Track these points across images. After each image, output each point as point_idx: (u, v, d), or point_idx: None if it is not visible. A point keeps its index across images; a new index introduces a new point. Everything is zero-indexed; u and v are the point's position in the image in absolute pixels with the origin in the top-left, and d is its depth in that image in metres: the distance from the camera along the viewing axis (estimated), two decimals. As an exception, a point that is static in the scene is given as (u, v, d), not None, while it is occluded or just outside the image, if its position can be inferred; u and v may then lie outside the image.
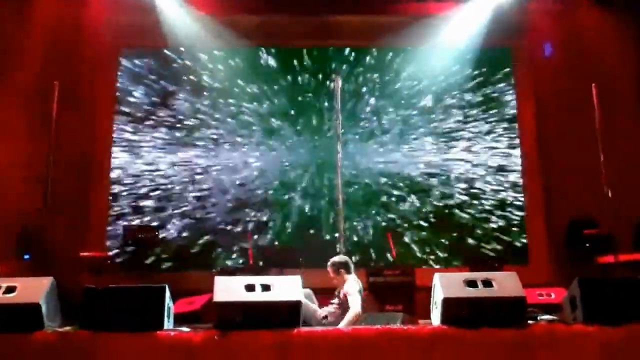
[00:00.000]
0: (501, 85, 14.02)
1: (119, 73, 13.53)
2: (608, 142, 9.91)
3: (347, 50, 13.90)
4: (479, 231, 13.34)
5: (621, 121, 12.66)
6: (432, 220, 13.41)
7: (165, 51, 13.43)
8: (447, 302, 6.19)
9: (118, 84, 13.48)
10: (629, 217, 11.62)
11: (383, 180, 13.51)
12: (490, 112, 13.91)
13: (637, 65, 13.57)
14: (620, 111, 12.81)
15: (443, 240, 13.27)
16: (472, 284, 6.33)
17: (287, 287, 6.31)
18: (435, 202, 13.48)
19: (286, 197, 13.32)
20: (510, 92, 14.02)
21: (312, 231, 13.12)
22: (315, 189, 13.36)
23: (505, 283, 6.36)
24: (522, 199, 13.60)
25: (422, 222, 13.35)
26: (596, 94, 9.71)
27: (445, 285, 6.31)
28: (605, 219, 10.77)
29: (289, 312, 6.19)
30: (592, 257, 11.65)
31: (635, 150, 12.99)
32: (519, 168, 13.73)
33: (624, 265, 10.43)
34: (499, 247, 13.31)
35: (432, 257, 13.19)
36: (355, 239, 13.05)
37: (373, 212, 13.36)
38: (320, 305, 8.53)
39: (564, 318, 6.63)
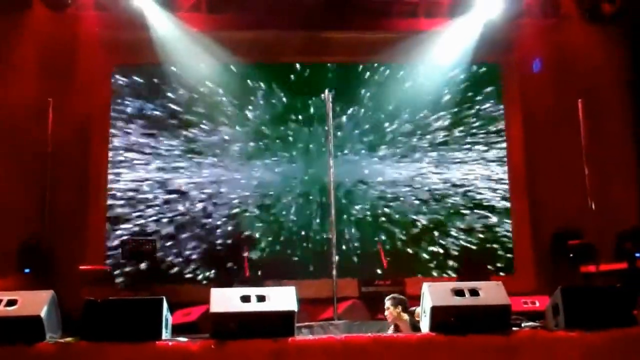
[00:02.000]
0: (490, 100, 14.14)
1: (113, 89, 13.52)
2: (593, 156, 10.09)
3: (338, 66, 13.96)
4: (464, 242, 13.50)
5: (606, 136, 12.83)
6: (422, 231, 13.53)
7: (158, 67, 13.36)
8: (436, 310, 6.36)
9: (112, 99, 13.47)
10: (611, 229, 11.84)
11: (374, 193, 13.61)
12: (479, 126, 14.02)
13: (624, 81, 13.74)
14: (606, 126, 12.98)
15: (433, 251, 13.40)
16: (459, 292, 6.49)
17: (281, 298, 6.42)
18: (423, 214, 13.61)
19: (278, 210, 13.39)
20: (499, 107, 14.13)
21: (305, 244, 13.19)
22: (307, 202, 13.43)
23: (491, 292, 6.53)
24: (509, 209, 13.77)
25: (412, 233, 13.51)
26: (582, 109, 9.90)
27: (433, 294, 6.47)
28: (588, 230, 10.96)
29: (284, 322, 6.29)
30: (575, 267, 11.83)
31: (618, 164, 13.20)
32: (506, 179, 13.88)
33: (605, 275, 10.63)
34: (486, 256, 13.44)
35: (423, 267, 13.34)
36: (346, 248, 13.11)
37: (365, 224, 13.47)
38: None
39: (547, 325, 6.82)
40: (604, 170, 11.59)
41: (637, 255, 11.71)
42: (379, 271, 12.39)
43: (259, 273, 12.26)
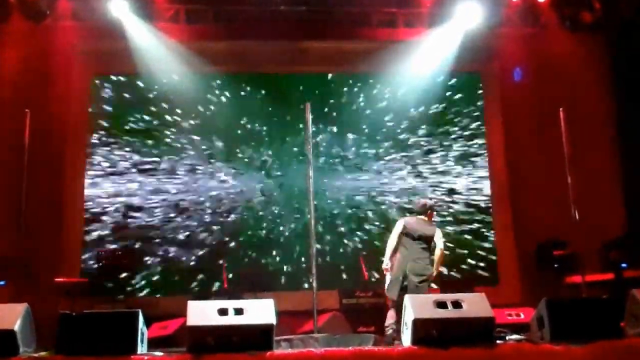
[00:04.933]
0: (470, 109, 14.13)
1: (91, 99, 13.39)
2: (576, 166, 10.06)
3: (317, 76, 13.92)
4: (447, 252, 13.42)
5: (589, 144, 12.84)
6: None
7: (136, 77, 13.30)
8: (418, 323, 6.31)
9: (90, 110, 13.34)
10: (597, 238, 11.82)
11: (354, 204, 13.55)
12: (460, 136, 14.01)
13: (605, 89, 13.77)
14: (588, 135, 13.00)
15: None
16: (441, 305, 6.46)
17: (260, 311, 6.38)
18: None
19: (257, 221, 13.29)
20: (480, 116, 14.13)
21: (284, 254, 13.07)
22: (287, 212, 13.33)
23: (475, 304, 6.51)
24: (492, 220, 13.72)
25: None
26: (564, 118, 9.86)
27: (415, 306, 6.43)
28: (573, 240, 10.92)
29: (262, 335, 6.25)
30: (561, 278, 11.85)
31: (602, 173, 13.20)
32: (489, 190, 13.84)
33: (591, 285, 10.59)
34: (469, 267, 13.41)
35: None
36: (328, 260, 13.00)
37: (345, 234, 13.37)
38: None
39: (531, 337, 6.77)
40: (587, 179, 11.54)
41: (624, 265, 11.71)
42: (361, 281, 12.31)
43: (237, 285, 12.09)
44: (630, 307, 6.87)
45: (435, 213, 9.97)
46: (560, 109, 9.98)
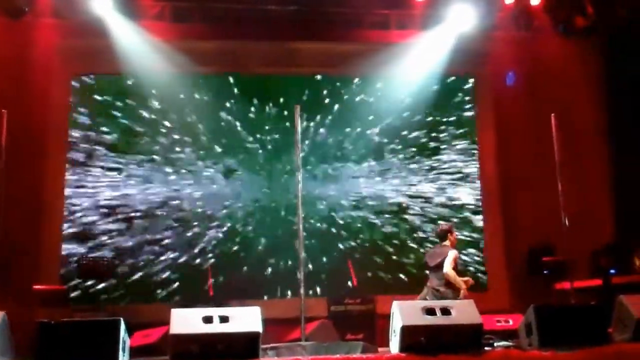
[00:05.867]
0: (463, 113, 14.06)
1: (71, 100, 13.08)
2: (567, 172, 10.01)
3: (308, 78, 13.74)
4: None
5: (580, 150, 12.84)
6: (394, 248, 13.36)
7: (119, 77, 13.04)
8: (406, 330, 6.24)
9: (70, 111, 13.02)
10: (586, 245, 11.80)
11: (345, 208, 13.42)
12: (452, 139, 13.93)
13: (597, 94, 13.77)
14: (580, 141, 12.99)
15: (406, 268, 13.21)
16: (430, 311, 6.41)
17: (246, 318, 6.28)
18: (397, 230, 13.46)
19: (244, 226, 13.14)
20: (472, 120, 14.07)
21: (272, 261, 12.87)
22: (274, 218, 13.19)
23: (463, 311, 6.47)
24: (482, 225, 13.66)
25: (384, 250, 13.32)
26: (555, 123, 9.81)
27: (403, 313, 6.37)
28: (563, 246, 10.88)
29: (248, 343, 6.16)
30: (550, 284, 11.87)
31: (593, 180, 13.19)
32: (479, 195, 13.78)
33: (580, 292, 10.62)
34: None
35: (394, 284, 13.09)
36: (315, 267, 12.85)
37: (334, 240, 13.25)
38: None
39: (520, 344, 6.74)
40: (578, 185, 11.53)
41: (612, 272, 11.74)
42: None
43: (223, 292, 11.98)
44: (618, 313, 6.90)
45: (456, 233, 10.25)
46: (552, 114, 9.92)
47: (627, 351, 6.22)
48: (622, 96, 13.57)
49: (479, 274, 13.33)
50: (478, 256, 13.53)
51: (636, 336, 6.54)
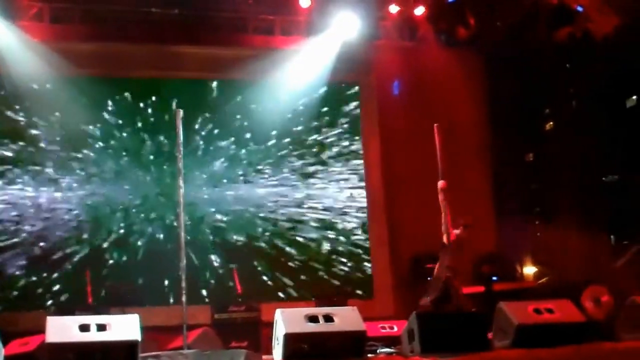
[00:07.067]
0: (348, 120, 14.10)
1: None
2: (449, 181, 10.12)
3: (189, 82, 13.55)
4: (323, 266, 13.40)
5: (464, 159, 13.08)
6: (278, 254, 13.33)
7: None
8: (289, 338, 6.25)
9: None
10: (469, 254, 12.01)
11: (230, 213, 13.31)
12: (337, 147, 13.98)
13: (480, 105, 14.07)
14: (462, 150, 13.22)
15: (290, 275, 13.22)
16: (313, 319, 6.43)
17: (124, 326, 6.16)
18: (280, 237, 13.43)
19: (125, 232, 12.82)
20: (357, 128, 14.12)
21: (154, 267, 12.55)
22: (156, 224, 12.94)
23: (346, 317, 6.50)
24: (368, 233, 13.74)
25: (267, 256, 13.27)
26: (438, 133, 9.89)
27: (286, 320, 6.38)
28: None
29: (126, 352, 6.03)
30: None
31: (474, 189, 13.44)
32: (365, 204, 13.85)
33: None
34: (343, 281, 13.45)
35: (280, 291, 13.11)
36: (200, 274, 12.70)
37: (216, 247, 13.11)
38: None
39: (402, 350, 6.80)
40: (460, 195, 11.70)
41: (494, 279, 12.04)
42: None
43: (104, 300, 11.69)
44: (498, 319, 7.05)
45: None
46: (435, 125, 10.00)
47: (506, 357, 6.35)
48: (502, 109, 13.95)
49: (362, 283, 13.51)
50: (364, 264, 13.63)
51: (515, 342, 6.66)
